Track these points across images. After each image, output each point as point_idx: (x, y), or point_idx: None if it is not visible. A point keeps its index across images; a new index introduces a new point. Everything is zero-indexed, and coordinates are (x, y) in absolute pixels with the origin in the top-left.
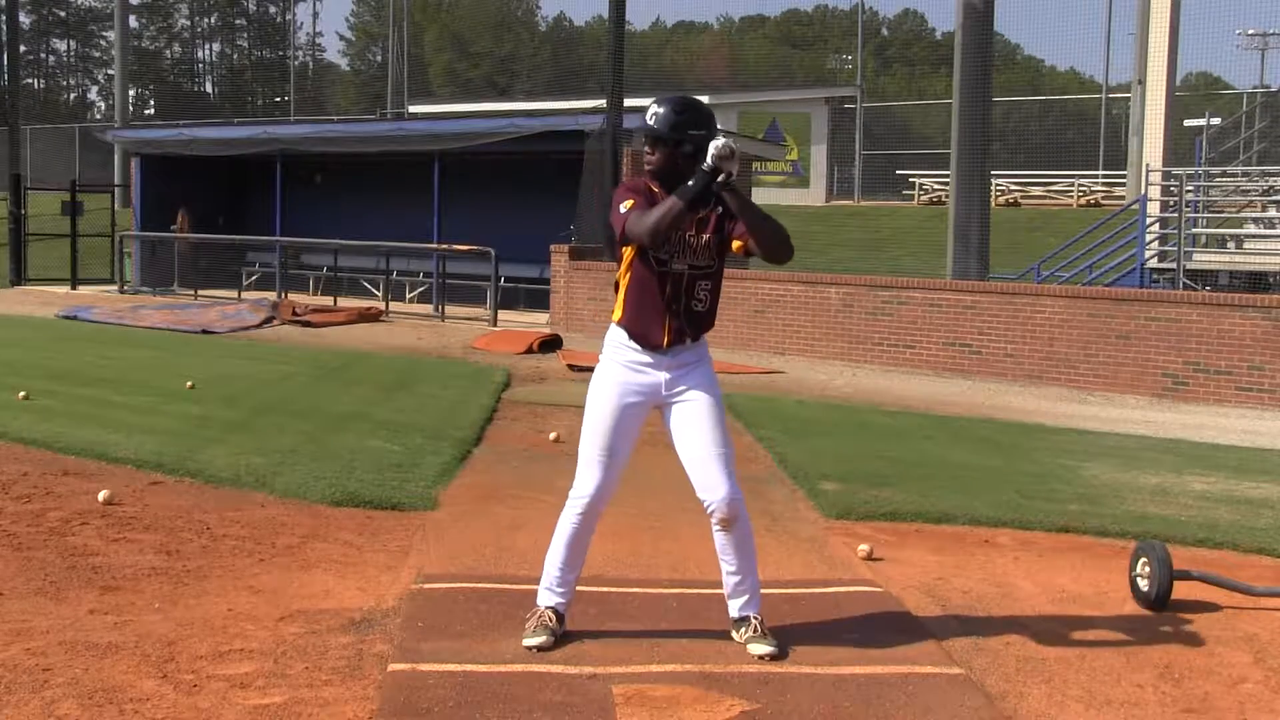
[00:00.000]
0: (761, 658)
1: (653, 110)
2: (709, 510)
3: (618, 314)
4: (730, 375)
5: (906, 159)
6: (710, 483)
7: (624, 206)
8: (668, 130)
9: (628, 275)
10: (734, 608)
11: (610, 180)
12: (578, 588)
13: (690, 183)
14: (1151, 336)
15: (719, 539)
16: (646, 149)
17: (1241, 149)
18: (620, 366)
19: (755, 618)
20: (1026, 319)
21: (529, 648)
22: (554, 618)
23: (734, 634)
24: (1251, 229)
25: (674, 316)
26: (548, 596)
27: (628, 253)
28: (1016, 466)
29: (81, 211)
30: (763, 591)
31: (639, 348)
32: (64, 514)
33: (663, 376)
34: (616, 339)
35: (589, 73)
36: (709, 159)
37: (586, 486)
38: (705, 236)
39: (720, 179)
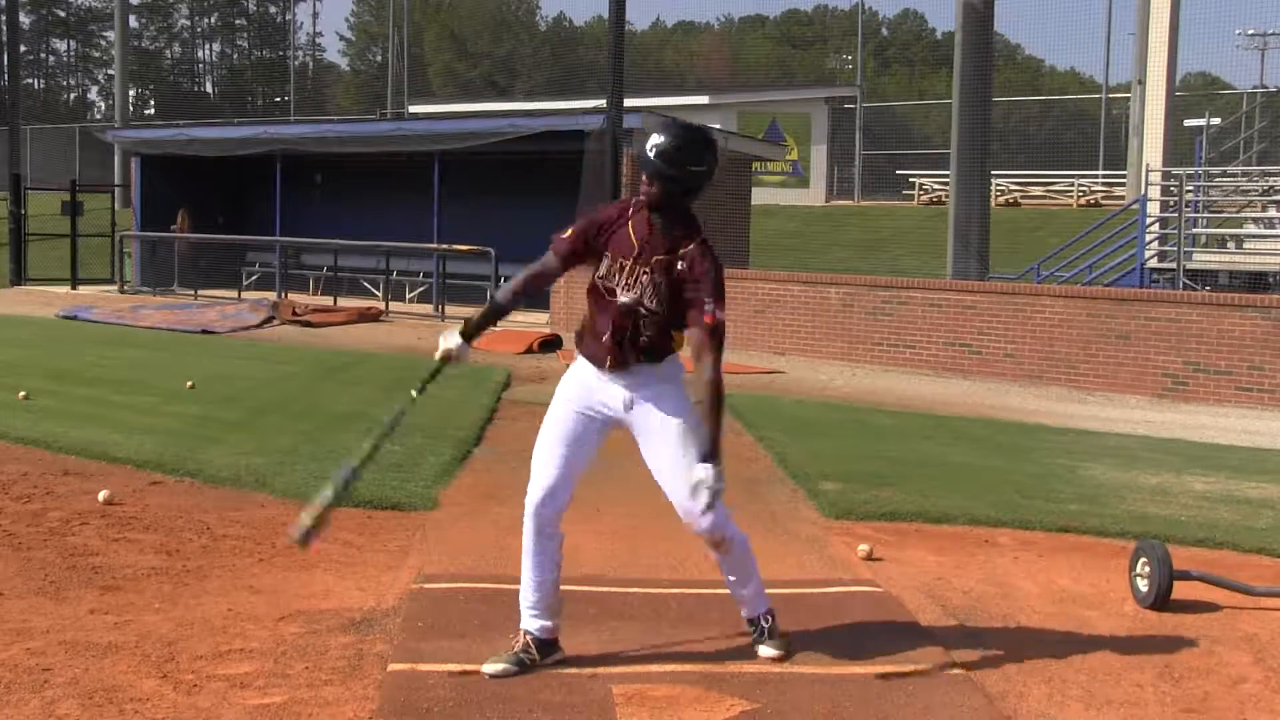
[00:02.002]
0: (767, 658)
1: (654, 140)
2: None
3: (578, 329)
4: (730, 375)
5: (906, 159)
6: (686, 513)
7: (563, 233)
8: (666, 165)
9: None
10: (744, 611)
11: (610, 180)
12: (577, 588)
13: (521, 279)
14: (1151, 336)
15: (713, 554)
16: (643, 179)
17: (1241, 149)
18: (581, 372)
19: (764, 620)
20: (1026, 319)
21: (486, 674)
22: (532, 644)
23: (751, 633)
24: (1251, 229)
25: (617, 347)
26: (525, 619)
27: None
28: (1016, 466)
29: (81, 211)
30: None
31: (594, 369)
32: (64, 514)
33: (621, 393)
34: (577, 352)
35: (589, 73)
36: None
37: (533, 491)
38: (649, 275)
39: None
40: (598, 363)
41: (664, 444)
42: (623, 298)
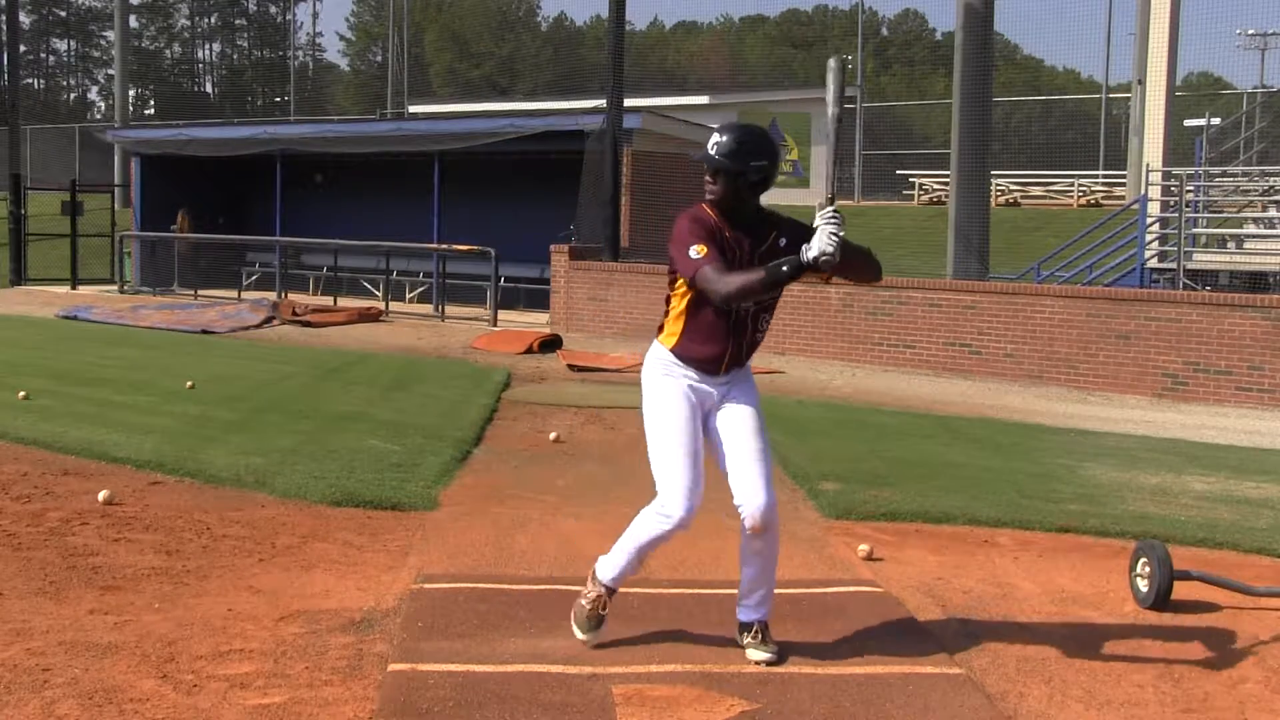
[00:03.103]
0: (758, 663)
1: (715, 140)
2: (743, 515)
3: (671, 340)
4: None
5: (907, 159)
6: (749, 488)
7: (694, 251)
8: (732, 162)
9: (685, 303)
10: (744, 612)
11: (610, 180)
12: (577, 588)
13: (785, 267)
14: (1151, 336)
15: (746, 544)
16: (708, 178)
17: (1241, 149)
18: (677, 379)
19: (761, 624)
20: (1026, 319)
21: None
22: (607, 601)
23: (740, 636)
24: (1251, 229)
25: (735, 349)
26: (610, 576)
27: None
28: (1016, 466)
29: (81, 211)
30: None
31: (695, 373)
32: (64, 514)
33: (715, 391)
34: (666, 359)
35: (589, 73)
36: (814, 254)
37: (676, 501)
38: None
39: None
40: (708, 371)
41: (741, 426)
42: (745, 304)
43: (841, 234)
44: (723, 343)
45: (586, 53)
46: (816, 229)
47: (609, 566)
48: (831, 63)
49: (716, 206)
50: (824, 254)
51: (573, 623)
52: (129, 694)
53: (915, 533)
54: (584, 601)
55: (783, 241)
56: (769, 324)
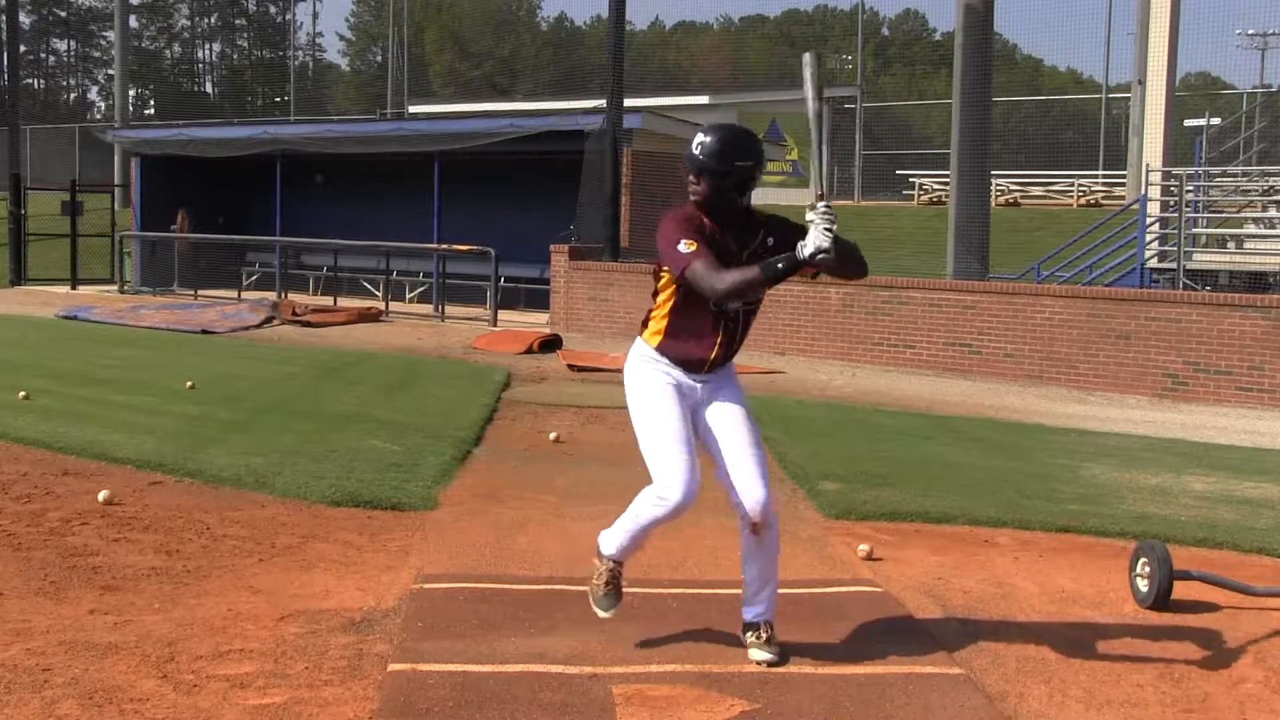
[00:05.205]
0: (759, 663)
1: (699, 140)
2: (741, 513)
3: (656, 339)
4: None
5: (906, 159)
6: (746, 484)
7: (684, 246)
8: (715, 162)
9: (671, 303)
10: (749, 611)
11: (610, 180)
12: (578, 588)
13: (780, 264)
14: (1151, 336)
15: (747, 543)
16: (691, 179)
17: (1241, 149)
18: (660, 373)
19: (766, 624)
20: (1026, 319)
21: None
22: (620, 572)
23: (744, 636)
24: (1251, 229)
25: (721, 348)
26: (613, 549)
27: (671, 277)
28: (1016, 466)
29: (81, 211)
30: None
31: (678, 371)
32: (64, 514)
33: (699, 388)
34: (650, 355)
35: (589, 73)
36: (810, 250)
37: (674, 484)
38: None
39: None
40: (691, 368)
41: (732, 423)
42: (732, 304)
43: (834, 230)
44: (708, 341)
45: (586, 53)
46: (810, 226)
47: (611, 541)
48: (806, 57)
49: (701, 208)
50: (820, 250)
51: (593, 605)
52: (129, 694)
53: (915, 533)
54: (596, 580)
55: (771, 241)
56: (752, 320)
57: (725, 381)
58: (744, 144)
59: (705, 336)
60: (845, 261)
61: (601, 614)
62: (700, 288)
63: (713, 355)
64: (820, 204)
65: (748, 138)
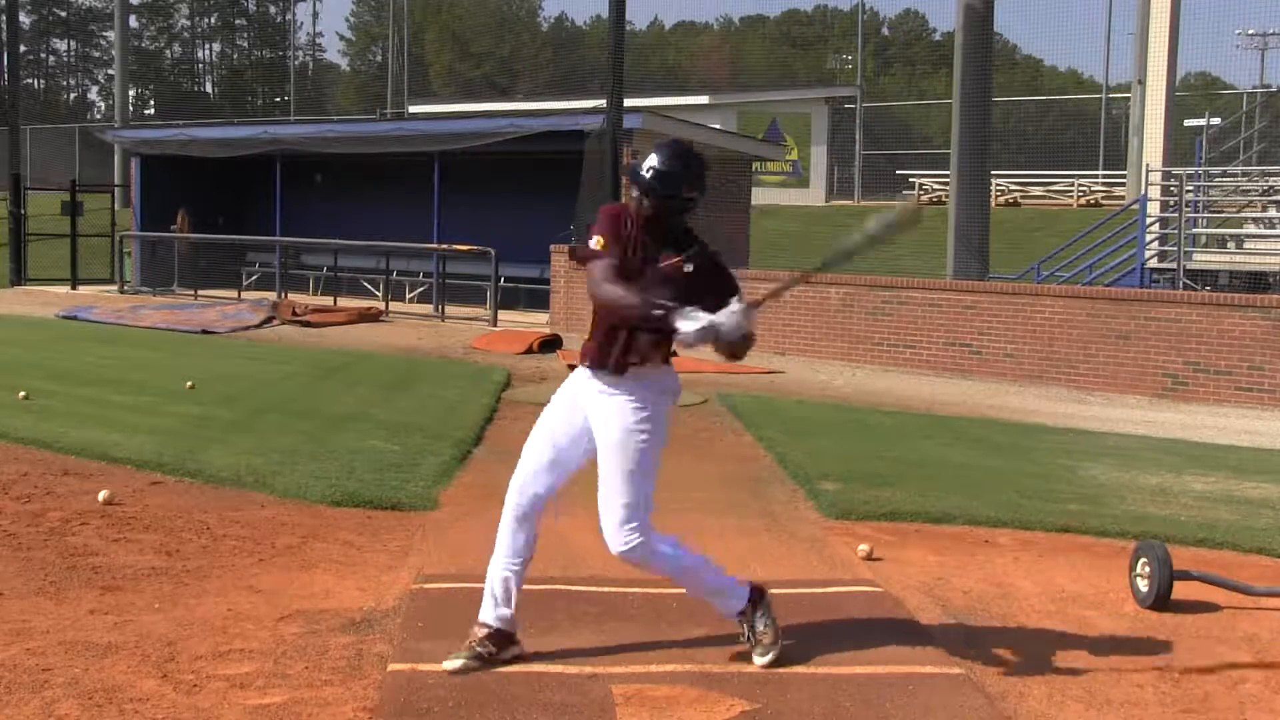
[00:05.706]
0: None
1: (650, 161)
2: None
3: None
4: (731, 375)
5: (906, 159)
6: (603, 531)
7: (595, 242)
8: (661, 187)
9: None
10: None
11: (610, 180)
12: (577, 588)
13: (658, 311)
14: (1151, 336)
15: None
16: (635, 191)
17: (1241, 149)
18: (571, 377)
19: (743, 624)
20: (1026, 319)
21: (447, 670)
22: (488, 638)
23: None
24: (1251, 229)
25: (621, 346)
26: (485, 609)
27: None
28: (1016, 466)
29: (81, 211)
30: None
31: (585, 369)
32: (64, 514)
33: (592, 387)
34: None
35: (589, 73)
36: (686, 331)
37: (514, 478)
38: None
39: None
40: (597, 360)
41: (600, 459)
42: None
43: (733, 336)
44: (604, 336)
45: (586, 53)
46: (723, 311)
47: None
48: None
49: (636, 212)
50: (688, 343)
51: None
52: (129, 694)
53: (915, 533)
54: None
55: (689, 268)
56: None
57: (621, 402)
58: (696, 173)
59: (602, 330)
60: (719, 349)
61: (446, 665)
62: (589, 284)
63: (615, 355)
64: (745, 304)
65: (699, 165)
